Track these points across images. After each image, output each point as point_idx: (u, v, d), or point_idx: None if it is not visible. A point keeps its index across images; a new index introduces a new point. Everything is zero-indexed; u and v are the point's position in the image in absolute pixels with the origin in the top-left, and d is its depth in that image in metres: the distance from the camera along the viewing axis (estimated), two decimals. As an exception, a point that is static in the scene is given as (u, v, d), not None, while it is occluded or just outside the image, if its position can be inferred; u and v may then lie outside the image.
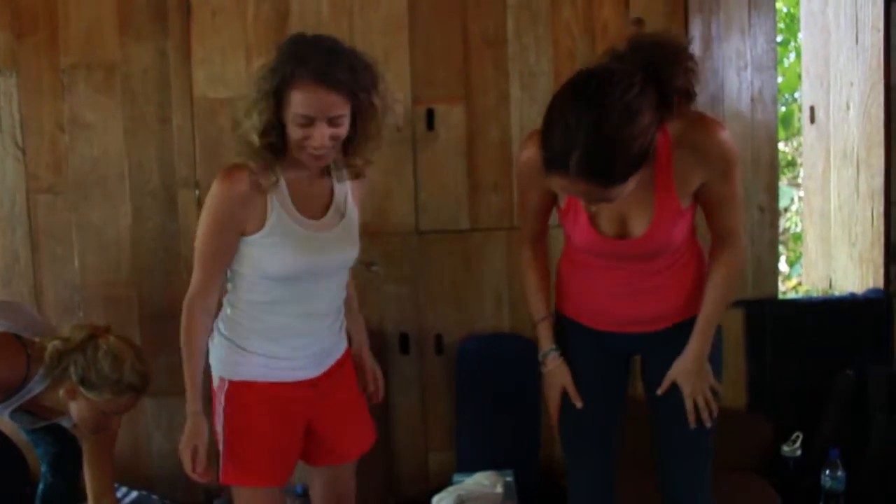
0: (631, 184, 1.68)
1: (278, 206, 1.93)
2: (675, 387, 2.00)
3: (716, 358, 2.03)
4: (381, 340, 3.11)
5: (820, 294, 3.80)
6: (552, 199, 1.98)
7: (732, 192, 1.90)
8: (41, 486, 2.73)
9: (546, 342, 2.09)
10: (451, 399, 3.16)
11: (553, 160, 1.64)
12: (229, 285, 2.05)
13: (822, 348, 3.14)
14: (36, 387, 2.30)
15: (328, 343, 2.09)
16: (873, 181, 3.29)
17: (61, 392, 2.27)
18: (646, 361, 2.12)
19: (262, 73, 1.87)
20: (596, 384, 2.08)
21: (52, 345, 2.26)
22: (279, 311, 2.00)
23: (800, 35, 4.59)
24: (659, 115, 1.68)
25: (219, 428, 2.03)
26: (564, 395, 2.08)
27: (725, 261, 1.97)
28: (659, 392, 2.02)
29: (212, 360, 2.06)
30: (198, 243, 1.97)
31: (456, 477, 2.99)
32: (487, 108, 3.08)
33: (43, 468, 2.72)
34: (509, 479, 2.92)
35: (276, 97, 1.84)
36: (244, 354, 2.01)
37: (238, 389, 2.02)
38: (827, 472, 2.84)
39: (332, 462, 2.20)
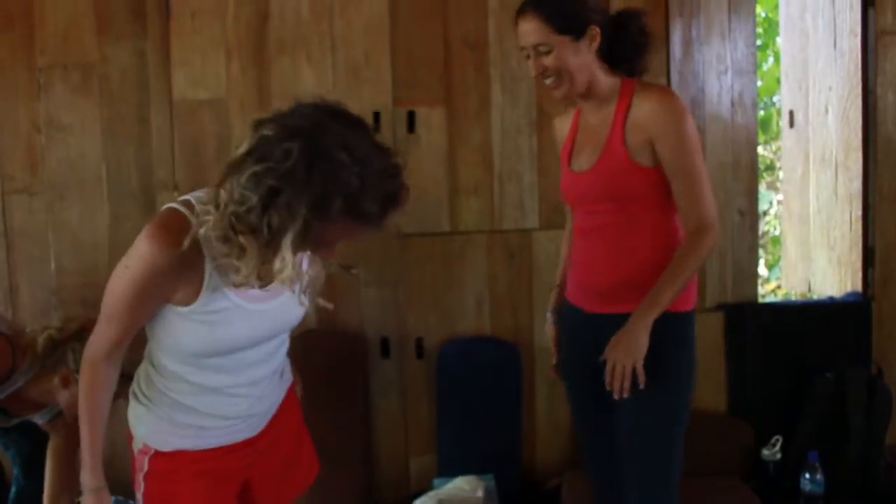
0: (566, 46, 1.94)
1: (216, 277, 1.53)
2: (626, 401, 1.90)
3: (672, 356, 1.96)
4: (362, 344, 3.10)
5: (799, 297, 3.82)
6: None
7: (685, 166, 1.92)
8: (13, 490, 2.69)
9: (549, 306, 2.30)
10: (431, 403, 3.15)
11: (520, 7, 1.99)
12: (150, 341, 1.71)
13: (802, 351, 3.16)
14: (21, 378, 2.31)
15: (270, 402, 1.79)
16: (851, 185, 3.32)
17: (56, 380, 2.29)
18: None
19: (283, 164, 1.40)
20: (574, 364, 2.17)
21: (46, 333, 2.31)
22: (209, 382, 1.67)
23: (778, 39, 4.62)
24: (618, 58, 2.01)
25: (139, 495, 1.76)
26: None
27: (686, 241, 1.94)
28: (600, 359, 1.91)
29: (132, 420, 1.75)
30: (111, 300, 1.55)
31: (436, 481, 2.98)
32: (468, 111, 3.08)
33: (15, 471, 2.69)
34: (490, 482, 2.92)
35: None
36: (171, 425, 1.71)
37: (165, 457, 1.73)
38: (806, 475, 2.85)
39: None
